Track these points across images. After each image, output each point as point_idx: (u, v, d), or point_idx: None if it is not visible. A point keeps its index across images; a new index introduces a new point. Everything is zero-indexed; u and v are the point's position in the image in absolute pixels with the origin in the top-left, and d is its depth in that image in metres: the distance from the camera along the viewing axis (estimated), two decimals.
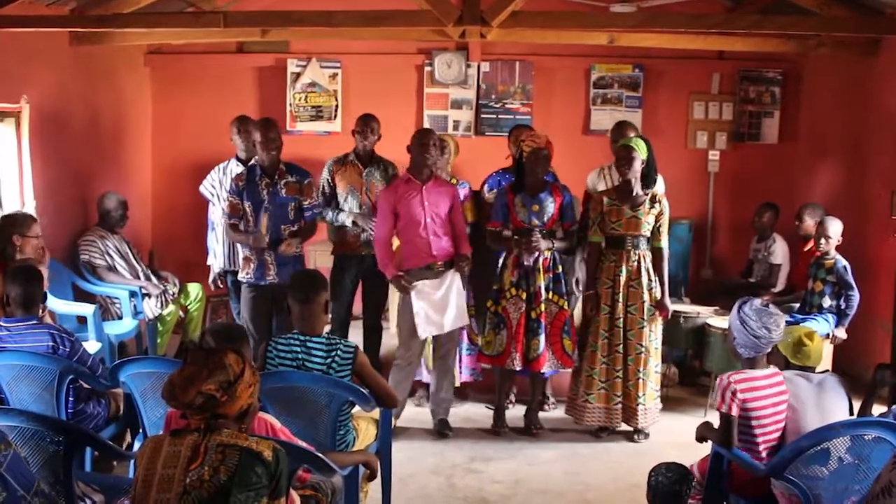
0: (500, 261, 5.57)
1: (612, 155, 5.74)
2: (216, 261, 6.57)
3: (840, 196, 7.19)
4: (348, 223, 5.91)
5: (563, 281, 5.55)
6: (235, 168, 6.32)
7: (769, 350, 3.78)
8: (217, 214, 6.53)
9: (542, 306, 5.42)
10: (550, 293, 5.47)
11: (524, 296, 5.44)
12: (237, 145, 6.45)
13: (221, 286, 6.62)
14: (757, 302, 3.84)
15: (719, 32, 6.59)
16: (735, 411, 3.63)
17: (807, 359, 4.06)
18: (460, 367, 5.93)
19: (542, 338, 5.42)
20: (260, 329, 5.57)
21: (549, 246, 5.43)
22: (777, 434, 3.71)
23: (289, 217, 5.58)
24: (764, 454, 3.68)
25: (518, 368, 5.49)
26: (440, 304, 5.36)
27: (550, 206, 5.46)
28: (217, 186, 6.48)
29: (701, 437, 3.88)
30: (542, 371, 5.52)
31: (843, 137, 7.27)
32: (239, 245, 6.01)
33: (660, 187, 5.86)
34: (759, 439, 3.68)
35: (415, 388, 6.04)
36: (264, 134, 5.54)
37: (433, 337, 5.55)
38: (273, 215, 5.52)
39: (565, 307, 5.52)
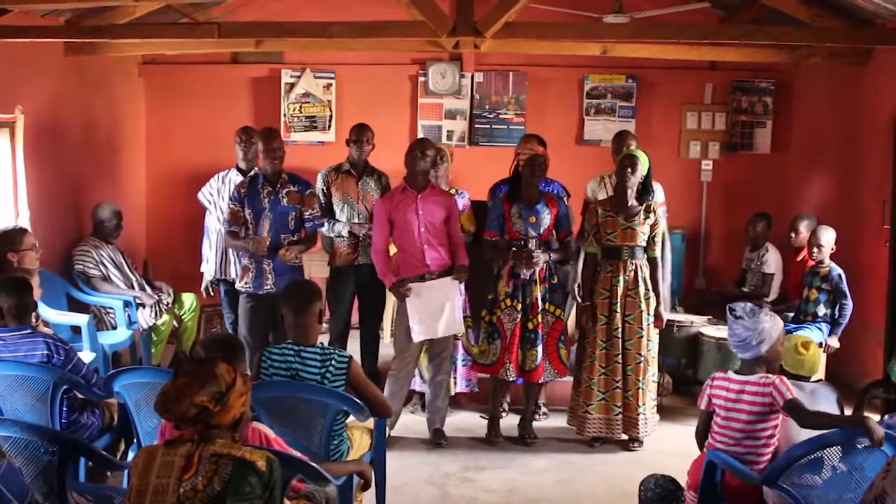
0: (496, 271, 5.58)
1: (612, 163, 5.80)
2: (208, 268, 6.58)
3: (832, 205, 7.22)
4: (344, 232, 5.92)
5: (559, 290, 5.57)
6: (235, 178, 6.31)
7: (762, 351, 3.86)
8: (213, 222, 6.52)
9: (539, 317, 5.44)
10: (547, 304, 5.49)
11: (519, 307, 5.44)
12: (238, 155, 6.43)
13: (213, 294, 6.65)
14: (748, 304, 3.99)
15: (712, 43, 6.63)
16: (704, 405, 3.96)
17: (800, 367, 4.08)
18: (455, 378, 5.93)
19: (540, 348, 5.44)
20: (257, 339, 5.53)
21: (546, 258, 5.46)
22: (743, 439, 3.79)
23: (289, 227, 5.57)
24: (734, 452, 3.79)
25: (512, 379, 5.50)
26: (435, 309, 5.34)
27: (546, 217, 5.48)
28: (215, 195, 6.47)
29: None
30: (539, 381, 5.54)
31: (835, 147, 7.30)
32: (236, 254, 6.02)
33: (659, 196, 5.89)
34: (717, 437, 3.85)
35: (409, 397, 6.04)
36: (267, 143, 5.57)
37: (428, 347, 5.56)
38: (273, 224, 5.52)
39: (561, 317, 5.55)
